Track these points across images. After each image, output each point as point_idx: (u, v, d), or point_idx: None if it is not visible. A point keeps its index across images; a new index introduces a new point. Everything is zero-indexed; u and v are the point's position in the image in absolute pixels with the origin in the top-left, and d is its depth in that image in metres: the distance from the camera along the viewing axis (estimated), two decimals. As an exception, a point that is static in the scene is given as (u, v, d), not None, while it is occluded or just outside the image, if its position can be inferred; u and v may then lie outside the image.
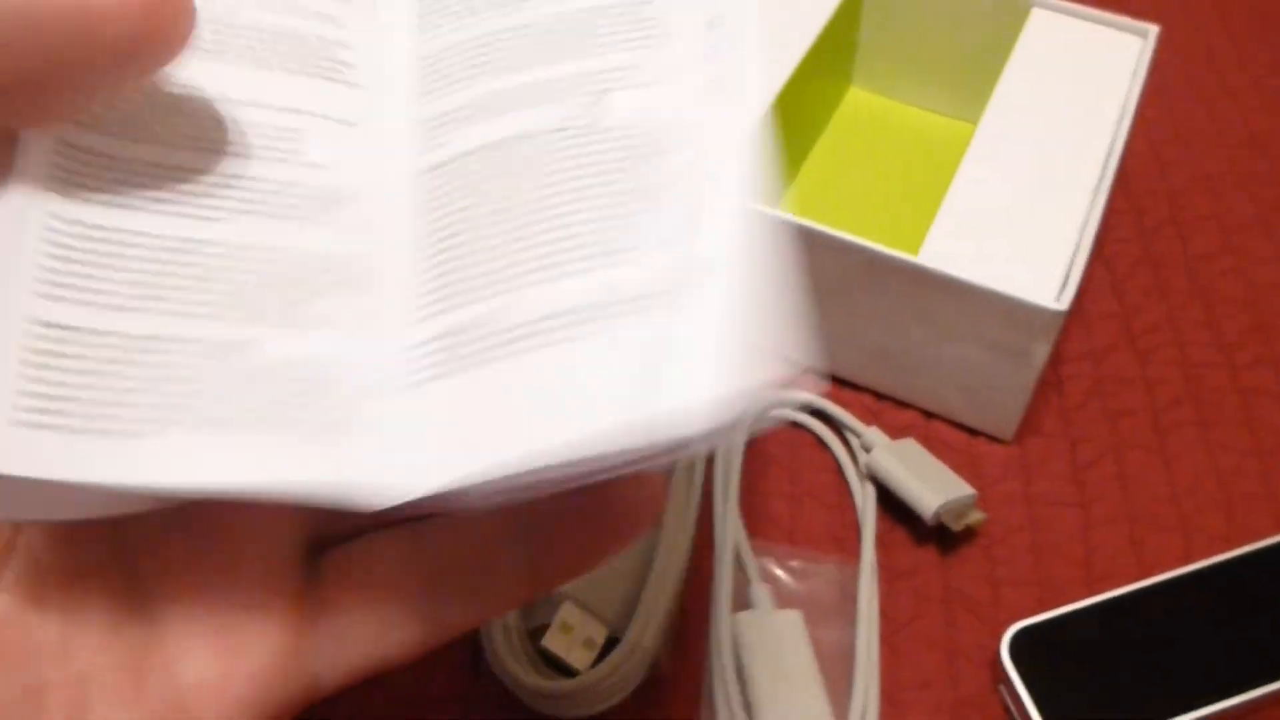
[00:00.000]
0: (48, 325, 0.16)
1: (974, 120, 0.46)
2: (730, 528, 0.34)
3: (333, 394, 0.17)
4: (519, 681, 0.31)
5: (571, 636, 0.31)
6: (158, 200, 0.17)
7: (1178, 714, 0.31)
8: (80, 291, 0.16)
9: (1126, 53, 0.42)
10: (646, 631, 0.31)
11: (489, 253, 0.18)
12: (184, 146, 0.18)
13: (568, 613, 0.31)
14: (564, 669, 0.31)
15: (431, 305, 0.18)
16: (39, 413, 0.15)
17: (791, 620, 0.32)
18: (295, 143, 0.19)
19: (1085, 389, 0.39)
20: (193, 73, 0.18)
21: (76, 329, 0.16)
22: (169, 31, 0.15)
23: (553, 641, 0.31)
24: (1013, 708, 0.32)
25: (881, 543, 0.35)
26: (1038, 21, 0.43)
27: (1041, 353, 0.34)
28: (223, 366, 0.16)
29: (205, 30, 0.19)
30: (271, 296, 0.17)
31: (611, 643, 0.31)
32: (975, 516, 0.35)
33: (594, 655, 0.31)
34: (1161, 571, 0.34)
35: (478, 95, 0.20)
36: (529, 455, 0.16)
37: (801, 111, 0.43)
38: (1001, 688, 0.32)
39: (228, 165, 0.18)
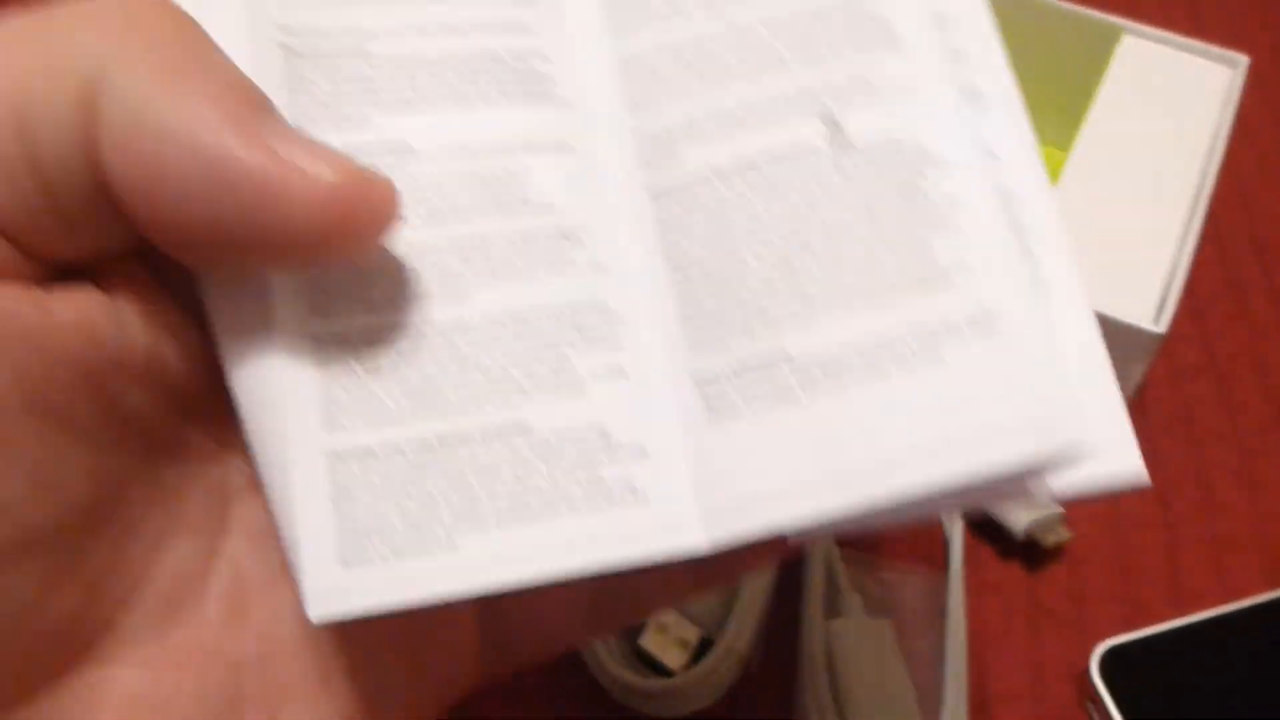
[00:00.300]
0: (341, 456, 0.16)
1: (1063, 145, 0.47)
2: (820, 538, 0.35)
3: (609, 458, 0.17)
4: (616, 679, 0.31)
5: (667, 637, 0.32)
6: (407, 289, 0.17)
7: (1266, 737, 0.31)
8: (360, 415, 0.16)
9: (1216, 82, 0.42)
10: (741, 635, 0.32)
11: (749, 287, 0.17)
12: (413, 221, 0.17)
13: (664, 614, 0.32)
14: (659, 668, 0.32)
15: (694, 345, 0.17)
16: (361, 549, 0.16)
17: (882, 629, 0.33)
18: (519, 187, 0.18)
19: (1170, 412, 0.39)
20: (402, 130, 0.17)
21: (368, 452, 0.16)
22: (364, 230, 0.15)
23: (649, 641, 0.32)
24: (1100, 724, 0.32)
25: (969, 557, 0.35)
26: (1128, 48, 0.43)
27: (1137, 373, 0.35)
28: (502, 457, 0.16)
29: (403, 79, 0.18)
30: (529, 370, 0.17)
31: (705, 644, 0.32)
32: (1062, 534, 0.35)
33: (689, 656, 0.32)
34: (1244, 594, 0.35)
35: (698, 110, 0.18)
36: (867, 497, 0.16)
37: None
38: (1089, 704, 0.33)
39: (461, 229, 0.17)
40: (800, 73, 0.18)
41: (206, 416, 0.17)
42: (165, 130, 0.14)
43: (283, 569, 0.17)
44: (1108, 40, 0.44)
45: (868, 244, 0.17)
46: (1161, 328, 0.33)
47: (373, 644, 0.19)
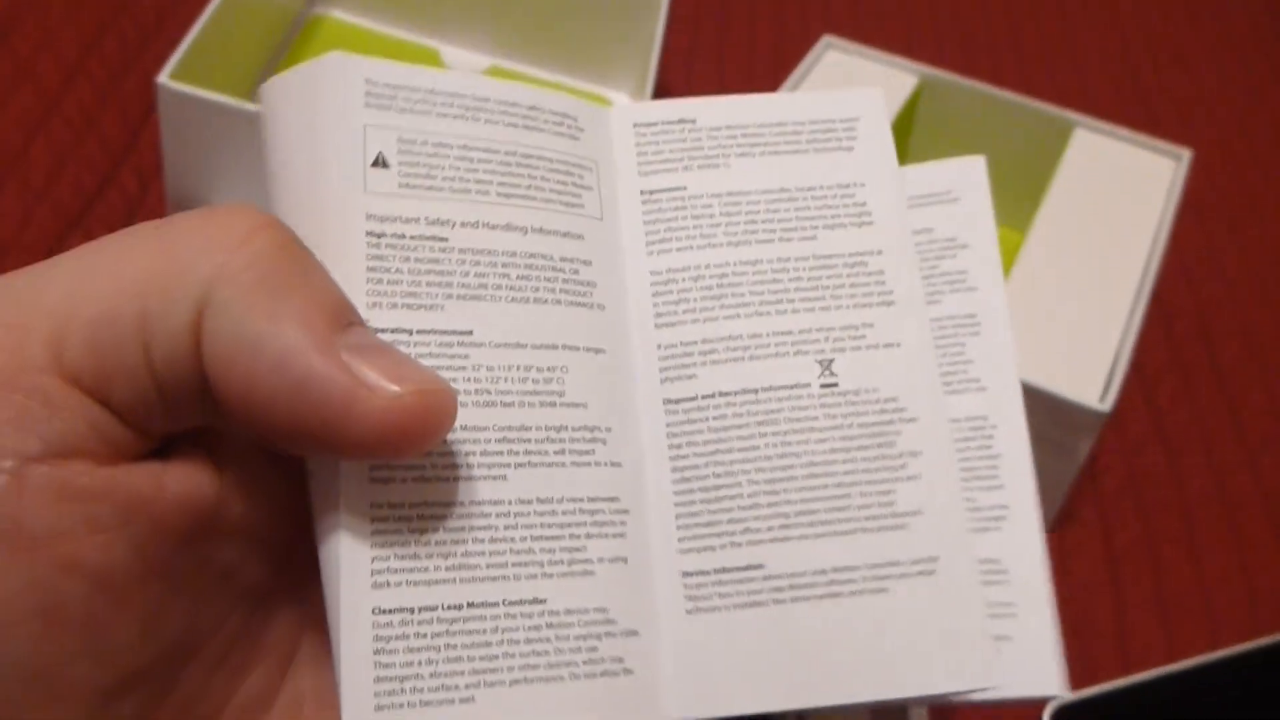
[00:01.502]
0: (385, 612, 0.18)
1: (1017, 226, 0.50)
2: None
3: (610, 635, 0.20)
4: None
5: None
6: (456, 468, 0.19)
7: (1206, 791, 0.34)
8: (404, 577, 0.19)
9: (1162, 173, 0.45)
10: None
11: (739, 500, 0.21)
12: (468, 404, 0.19)
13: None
14: None
15: (686, 545, 0.21)
16: (393, 694, 0.18)
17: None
18: (559, 384, 0.20)
19: (1119, 483, 0.42)
20: (464, 318, 0.20)
21: (408, 610, 0.19)
22: (424, 436, 0.17)
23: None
24: (1052, 778, 0.34)
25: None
26: (1080, 141, 0.46)
27: (1084, 448, 0.37)
28: (519, 625, 0.19)
29: (472, 271, 0.20)
30: (552, 549, 0.20)
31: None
32: (1018, 597, 0.38)
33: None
34: (1190, 655, 0.37)
35: (716, 335, 0.22)
36: (814, 696, 0.19)
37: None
38: (1042, 759, 0.35)
39: (507, 417, 0.20)
40: (804, 316, 0.22)
41: (292, 561, 0.20)
42: (258, 350, 0.17)
43: (334, 693, 0.20)
44: (1062, 133, 0.47)
45: (841, 482, 0.21)
46: (1106, 406, 0.36)
47: None
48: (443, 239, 0.20)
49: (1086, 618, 0.38)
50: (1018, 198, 0.49)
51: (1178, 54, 0.60)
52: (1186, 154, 0.46)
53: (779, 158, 0.23)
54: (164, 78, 0.39)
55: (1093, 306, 0.40)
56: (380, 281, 0.19)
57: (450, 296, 0.20)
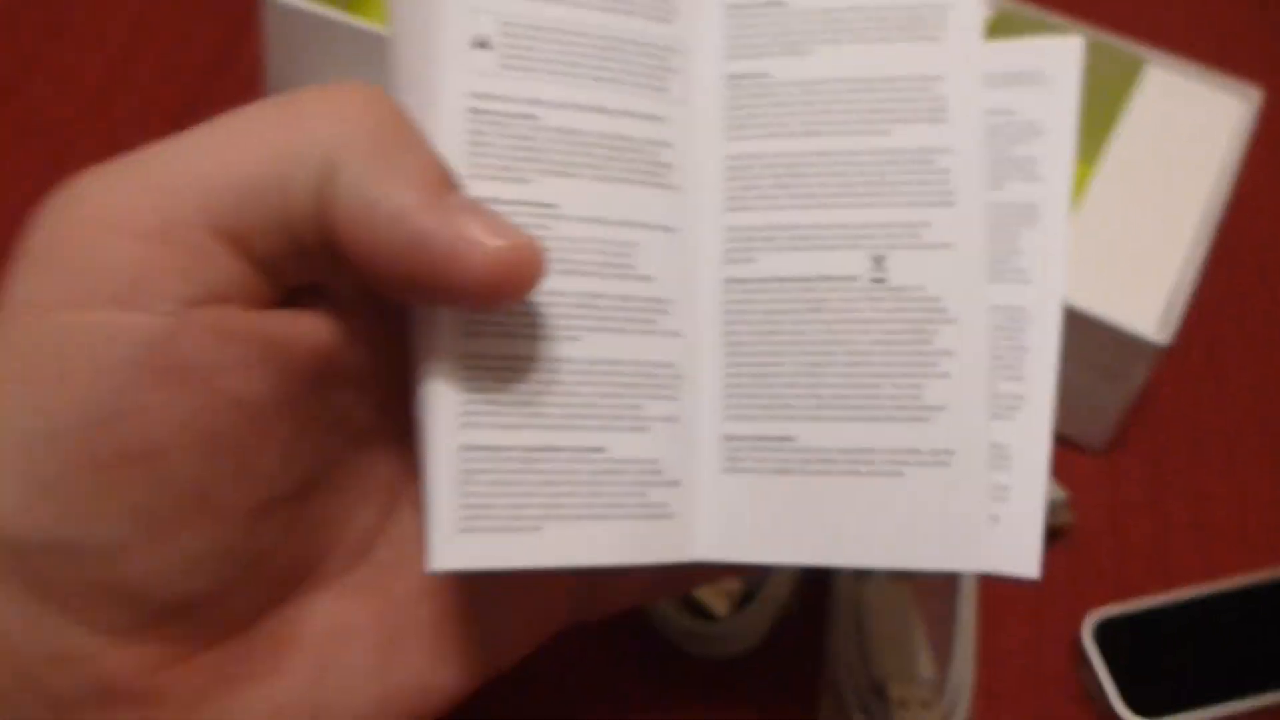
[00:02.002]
0: (471, 449, 0.21)
1: (1087, 159, 0.51)
2: (851, 507, 0.39)
3: (657, 483, 0.22)
4: (670, 622, 0.36)
5: (715, 588, 0.36)
6: (535, 327, 0.21)
7: (1231, 700, 0.36)
8: (487, 420, 0.21)
9: (1232, 112, 0.46)
10: (779, 589, 0.36)
11: (782, 378, 0.23)
12: (550, 271, 0.21)
13: (714, 567, 0.37)
14: (707, 615, 0.36)
15: (730, 412, 0.23)
16: (473, 519, 0.21)
17: (903, 591, 0.37)
18: (630, 257, 0.22)
19: (1170, 412, 0.44)
20: (551, 192, 0.22)
21: (491, 449, 0.21)
22: (520, 288, 0.20)
23: (699, 591, 0.36)
24: (1088, 683, 0.37)
25: (981, 532, 0.40)
26: (1151, 76, 0.47)
27: (1139, 378, 0.39)
28: (583, 469, 0.22)
29: (560, 148, 0.22)
30: (614, 405, 0.22)
31: (748, 595, 0.37)
32: (1065, 517, 0.40)
33: (733, 604, 0.36)
34: (1226, 577, 0.39)
35: (780, 223, 0.23)
36: (822, 555, 0.22)
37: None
38: (1081, 666, 0.37)
39: (583, 285, 0.22)
40: (865, 210, 0.23)
41: (396, 411, 0.22)
42: (376, 209, 0.19)
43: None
44: (1134, 67, 0.48)
45: (876, 373, 0.23)
46: (1164, 338, 0.37)
47: (491, 593, 0.24)
48: (535, 117, 0.22)
49: (1130, 538, 0.40)
50: (1089, 131, 0.50)
51: (1254, -11, 0.60)
52: (1258, 94, 0.46)
53: (866, 45, 0.24)
54: (270, -9, 0.41)
55: (1156, 241, 0.41)
56: (478, 154, 0.22)
57: (539, 171, 0.22)
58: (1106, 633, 0.37)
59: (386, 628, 0.22)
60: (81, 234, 0.19)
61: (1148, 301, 0.39)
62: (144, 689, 0.19)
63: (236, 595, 0.20)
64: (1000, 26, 0.49)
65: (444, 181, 0.20)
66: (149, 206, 0.19)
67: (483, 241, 0.19)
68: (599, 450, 0.22)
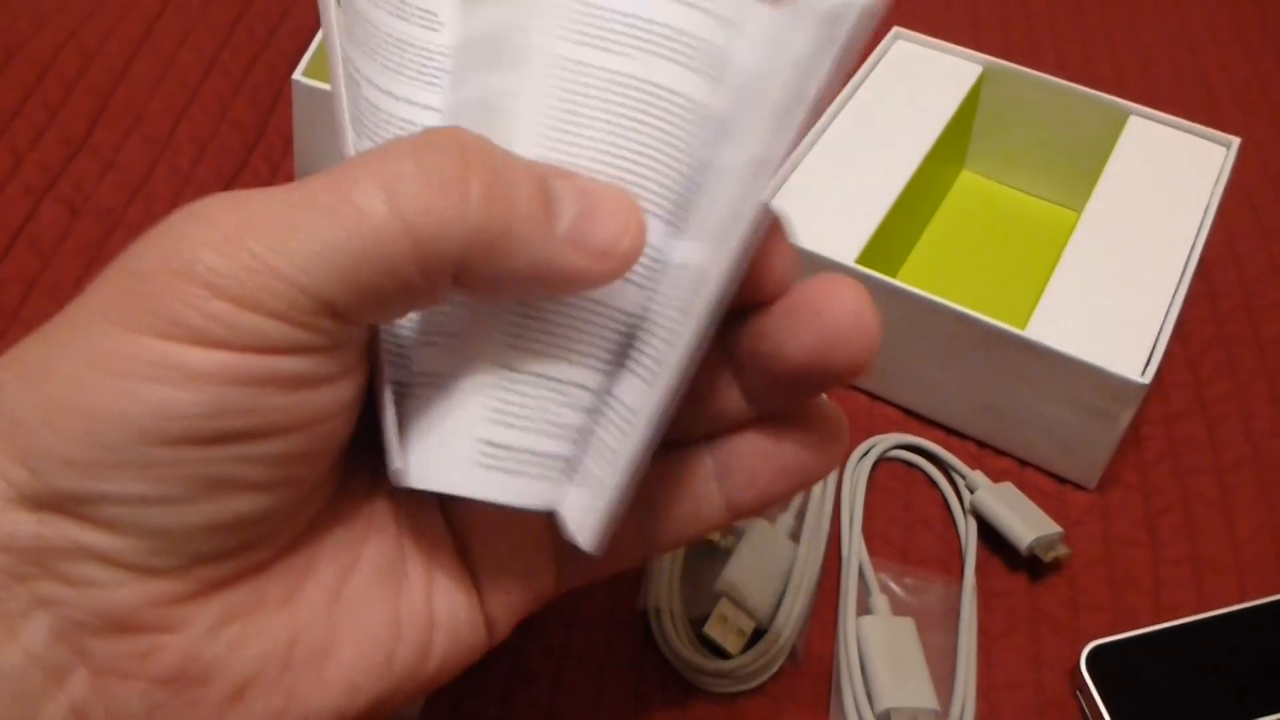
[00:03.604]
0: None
1: (1073, 207, 0.53)
2: (855, 547, 0.41)
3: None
4: (683, 660, 0.38)
5: (727, 626, 0.38)
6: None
7: (1227, 725, 0.37)
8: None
9: (1211, 159, 0.48)
10: (787, 626, 0.38)
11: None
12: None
13: (725, 607, 0.39)
14: (720, 652, 0.38)
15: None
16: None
17: (906, 625, 0.39)
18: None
19: (1160, 448, 0.45)
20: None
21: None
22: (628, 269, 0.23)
23: (712, 629, 0.38)
24: (1087, 710, 0.38)
25: (980, 568, 0.42)
26: (1134, 128, 0.49)
27: (1126, 418, 0.41)
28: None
29: (369, 120, 0.26)
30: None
31: (758, 634, 0.39)
32: (1061, 551, 0.42)
33: (744, 642, 0.38)
34: (1219, 607, 0.41)
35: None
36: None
37: (921, 193, 0.50)
38: (1078, 694, 0.39)
39: None
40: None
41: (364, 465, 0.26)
42: (519, 261, 0.22)
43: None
44: (1118, 120, 0.50)
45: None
46: (1146, 379, 0.39)
47: (482, 535, 0.27)
48: (358, 85, 0.26)
49: (1125, 572, 0.42)
50: (1074, 180, 0.52)
51: (1237, 38, 0.63)
52: (1236, 141, 0.49)
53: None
54: (298, 75, 0.44)
55: (1140, 285, 0.43)
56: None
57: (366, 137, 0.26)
58: (1102, 661, 0.39)
59: (389, 559, 0.25)
60: (174, 283, 0.20)
61: (1131, 343, 0.41)
62: (158, 620, 0.21)
63: (264, 546, 0.23)
64: (988, 82, 0.52)
65: (548, 201, 0.22)
66: (251, 278, 0.20)
67: (603, 254, 0.22)
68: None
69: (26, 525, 0.20)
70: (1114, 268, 0.44)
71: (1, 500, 0.20)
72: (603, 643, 0.39)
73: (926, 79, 0.51)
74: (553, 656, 0.38)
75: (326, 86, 0.44)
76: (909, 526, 0.43)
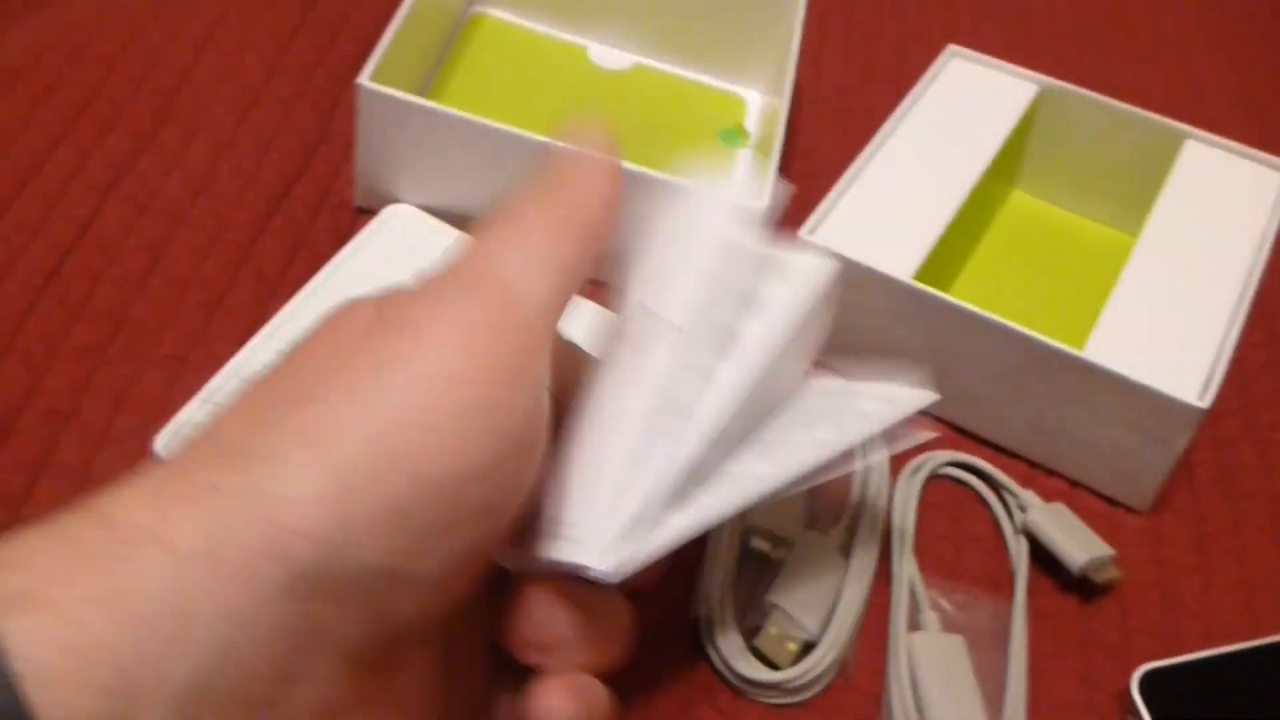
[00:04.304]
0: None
1: (1126, 230, 0.53)
2: (906, 563, 0.41)
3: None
4: (736, 671, 0.38)
5: (778, 638, 0.39)
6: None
7: (1279, 753, 0.37)
8: None
9: (1269, 183, 0.48)
10: (839, 641, 0.39)
11: None
12: None
13: (776, 619, 0.39)
14: (771, 665, 0.38)
15: None
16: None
17: (956, 643, 0.39)
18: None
19: (1211, 473, 0.45)
20: None
21: None
22: None
23: (764, 642, 0.38)
24: (1138, 734, 0.38)
25: (1031, 588, 0.42)
26: (1190, 151, 0.49)
27: (1182, 441, 0.41)
28: None
29: None
30: None
31: (809, 647, 0.39)
32: (1113, 573, 0.41)
33: (795, 656, 0.38)
34: (1271, 633, 0.41)
35: None
36: None
37: (974, 212, 0.50)
38: (1129, 717, 0.39)
39: None
40: None
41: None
42: None
43: None
44: (1174, 143, 0.50)
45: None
46: (1205, 403, 0.39)
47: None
48: None
49: (1176, 595, 0.42)
50: (1130, 203, 0.52)
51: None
52: (1293, 167, 0.49)
53: None
54: (364, 79, 0.45)
55: (1197, 309, 0.43)
56: None
57: None
58: (1154, 685, 0.39)
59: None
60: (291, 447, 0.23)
61: (1189, 367, 0.41)
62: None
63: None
64: (1043, 103, 0.52)
65: None
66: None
67: None
68: None
69: None
70: (1171, 291, 0.44)
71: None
72: (652, 651, 0.39)
73: (982, 98, 0.51)
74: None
75: (391, 91, 0.45)
76: (959, 544, 0.43)
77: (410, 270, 0.27)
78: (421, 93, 0.53)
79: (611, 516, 0.28)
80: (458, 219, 0.48)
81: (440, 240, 0.47)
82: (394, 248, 0.46)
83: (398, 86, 0.46)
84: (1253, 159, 0.49)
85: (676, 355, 0.30)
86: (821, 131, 0.57)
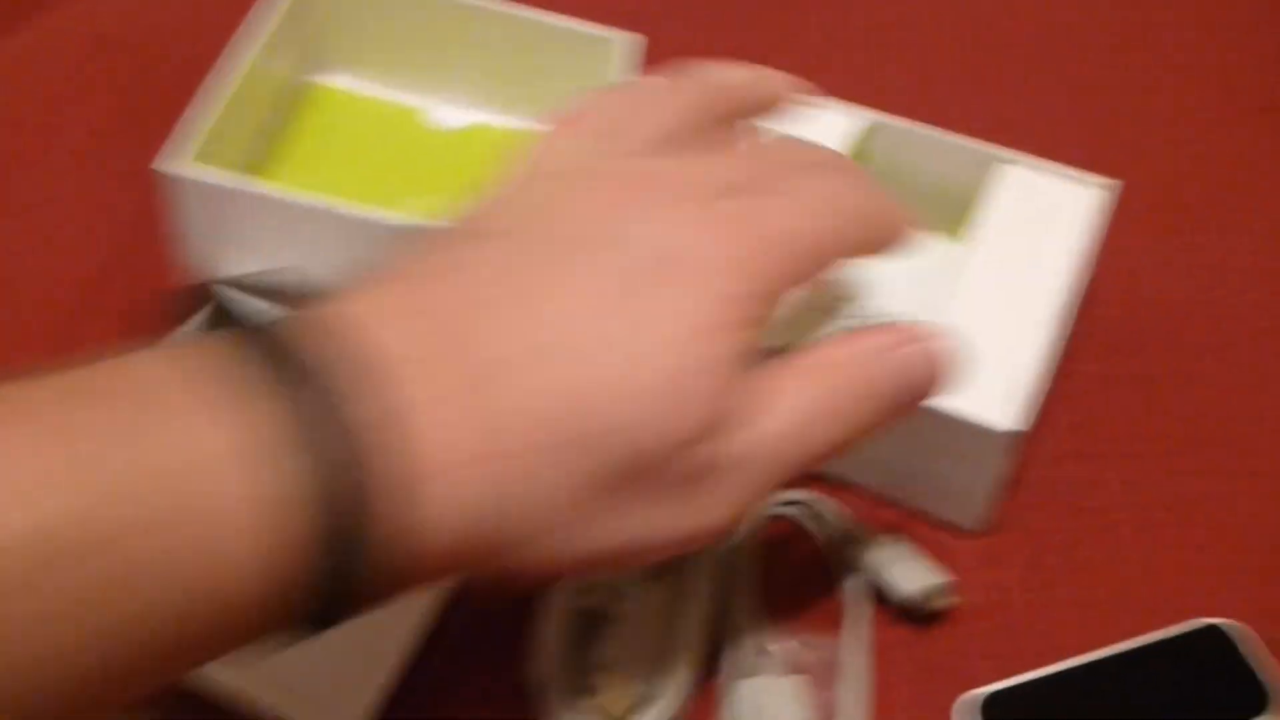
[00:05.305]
0: None
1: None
2: (742, 608, 0.41)
3: None
4: (568, 731, 0.38)
5: (612, 697, 0.38)
6: None
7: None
8: None
9: (1091, 203, 0.49)
10: (675, 694, 0.38)
11: None
12: None
13: (610, 677, 0.38)
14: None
15: None
16: None
17: (792, 685, 0.39)
18: None
19: (1046, 491, 0.46)
20: None
21: None
22: None
23: (598, 702, 0.38)
24: (975, 762, 0.38)
25: (867, 621, 0.42)
26: (1012, 174, 0.50)
27: (1002, 465, 0.41)
28: None
29: None
30: None
31: (646, 700, 0.38)
32: (947, 600, 0.42)
33: (629, 713, 0.38)
34: (1107, 646, 0.41)
35: None
36: None
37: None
38: (966, 745, 0.39)
39: None
40: None
41: None
42: None
43: None
44: (991, 166, 0.51)
45: None
46: (1017, 426, 0.40)
47: None
48: None
49: (1013, 617, 0.42)
50: (952, 229, 0.53)
51: (1119, 85, 0.64)
52: (1115, 184, 0.50)
53: None
54: (162, 163, 0.44)
55: (1016, 334, 0.44)
56: None
57: None
58: (995, 710, 0.39)
59: None
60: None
61: (1001, 391, 0.42)
62: None
63: None
64: (872, 137, 0.53)
65: None
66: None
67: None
68: None
69: None
70: (986, 316, 0.44)
71: None
72: None
73: (806, 133, 0.51)
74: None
75: (189, 172, 0.45)
76: (794, 584, 0.43)
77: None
78: (246, 170, 0.53)
79: None
80: (285, 300, 0.48)
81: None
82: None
83: (219, 165, 0.45)
84: (1071, 179, 0.50)
85: None
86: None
